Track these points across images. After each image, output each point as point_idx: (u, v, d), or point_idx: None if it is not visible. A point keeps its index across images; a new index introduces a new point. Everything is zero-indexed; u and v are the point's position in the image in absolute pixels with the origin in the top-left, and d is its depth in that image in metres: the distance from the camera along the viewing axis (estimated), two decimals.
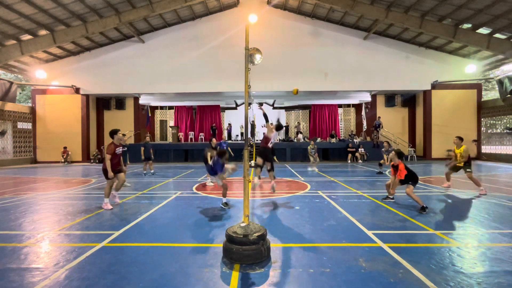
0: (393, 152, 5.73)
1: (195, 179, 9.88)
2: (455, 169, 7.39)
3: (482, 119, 17.63)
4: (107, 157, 5.44)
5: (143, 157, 11.24)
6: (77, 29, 15.10)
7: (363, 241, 3.70)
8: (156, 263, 3.10)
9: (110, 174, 5.43)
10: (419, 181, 8.33)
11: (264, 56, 3.97)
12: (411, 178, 5.47)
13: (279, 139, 20.81)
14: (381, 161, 10.96)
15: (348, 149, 17.17)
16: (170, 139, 20.99)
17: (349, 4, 14.91)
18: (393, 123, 18.86)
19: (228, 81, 16.83)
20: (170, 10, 15.45)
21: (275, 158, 11.51)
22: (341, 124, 22.23)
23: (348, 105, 22.13)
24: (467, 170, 7.02)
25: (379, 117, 18.32)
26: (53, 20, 14.07)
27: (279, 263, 3.06)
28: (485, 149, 17.58)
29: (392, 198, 6.02)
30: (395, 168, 5.60)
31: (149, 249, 3.50)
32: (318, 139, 19.63)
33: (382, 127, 17.82)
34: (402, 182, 5.52)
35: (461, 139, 7.26)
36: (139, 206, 5.76)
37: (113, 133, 5.70)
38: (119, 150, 5.68)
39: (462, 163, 7.11)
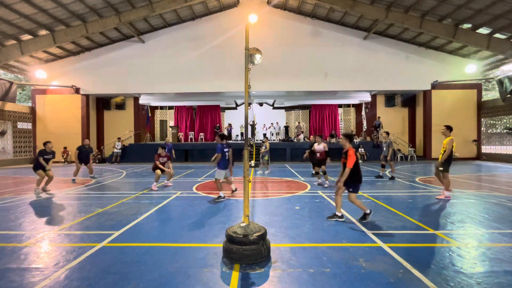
0: (342, 135, 4.76)
1: (195, 179, 9.88)
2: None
3: (482, 119, 17.63)
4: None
5: (76, 160, 9.86)
6: (77, 29, 15.10)
7: (363, 241, 3.70)
8: (156, 263, 3.09)
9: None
10: (419, 182, 8.32)
11: (264, 56, 3.97)
12: (354, 177, 4.45)
13: (279, 139, 20.83)
14: (383, 162, 9.74)
15: None
16: (170, 139, 20.99)
17: (349, 4, 14.90)
18: (393, 123, 18.85)
19: (228, 81, 16.82)
20: (170, 10, 15.45)
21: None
22: (341, 124, 22.23)
23: (348, 105, 22.13)
24: (440, 168, 6.24)
25: (379, 117, 18.33)
26: (53, 20, 14.07)
27: (279, 263, 3.06)
28: (485, 149, 17.58)
29: (341, 217, 4.60)
30: (345, 155, 4.51)
31: (149, 249, 3.50)
32: None
33: (382, 127, 17.82)
34: (346, 184, 4.51)
35: (449, 128, 6.28)
36: (139, 206, 5.76)
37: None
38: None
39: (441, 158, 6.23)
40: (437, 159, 17.35)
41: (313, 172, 9.75)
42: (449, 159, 6.20)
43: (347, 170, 4.39)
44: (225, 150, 6.42)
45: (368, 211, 4.55)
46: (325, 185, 7.92)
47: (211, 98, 20.26)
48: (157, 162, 8.06)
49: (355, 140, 17.96)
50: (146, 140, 20.23)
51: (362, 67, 17.19)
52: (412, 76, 17.20)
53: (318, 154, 8.19)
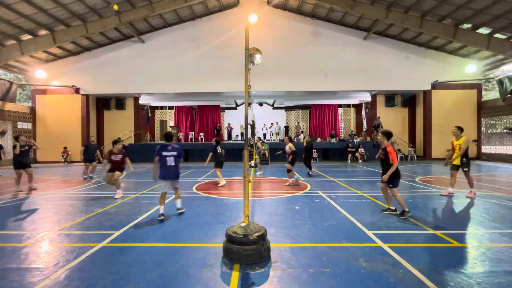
0: (379, 134, 4.90)
1: (195, 179, 9.88)
2: (455, 167, 6.56)
3: (482, 119, 17.62)
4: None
5: (82, 158, 9.98)
6: (77, 29, 15.09)
7: (363, 241, 3.70)
8: (156, 263, 3.10)
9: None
10: (419, 182, 8.34)
11: (264, 56, 3.97)
12: (393, 173, 4.66)
13: (279, 139, 20.81)
14: None
15: (348, 149, 17.17)
16: None
17: (349, 4, 14.90)
18: (393, 123, 18.83)
19: (228, 81, 16.82)
20: (170, 10, 15.44)
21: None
22: (341, 124, 22.23)
23: (348, 105, 22.13)
24: (465, 169, 6.40)
25: (379, 117, 18.32)
26: (53, 20, 14.06)
27: (279, 263, 3.06)
28: (485, 149, 17.57)
29: (394, 210, 4.99)
30: (385, 152, 4.78)
31: (149, 249, 3.50)
32: (318, 139, 19.64)
33: (382, 127, 17.81)
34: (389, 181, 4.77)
35: (460, 129, 6.49)
36: (139, 206, 5.76)
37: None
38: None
39: (459, 158, 6.41)
40: (437, 159, 17.39)
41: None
42: (468, 159, 6.43)
43: (394, 166, 4.64)
44: (164, 153, 4.81)
45: (407, 209, 4.72)
46: (286, 183, 8.51)
47: (211, 98, 20.25)
48: (104, 161, 6.84)
49: (355, 140, 17.96)
50: (146, 140, 20.23)
51: (362, 67, 17.18)
52: (412, 76, 17.19)
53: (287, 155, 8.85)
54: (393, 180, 4.77)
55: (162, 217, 4.70)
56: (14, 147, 7.85)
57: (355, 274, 2.80)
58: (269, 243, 3.22)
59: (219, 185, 8.29)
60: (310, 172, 10.59)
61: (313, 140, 18.41)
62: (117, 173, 6.76)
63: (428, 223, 4.44)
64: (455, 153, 6.55)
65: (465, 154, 6.39)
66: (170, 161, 4.82)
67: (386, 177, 4.71)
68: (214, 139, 8.97)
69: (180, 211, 5.13)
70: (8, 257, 3.33)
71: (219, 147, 8.76)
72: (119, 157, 6.78)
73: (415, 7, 13.97)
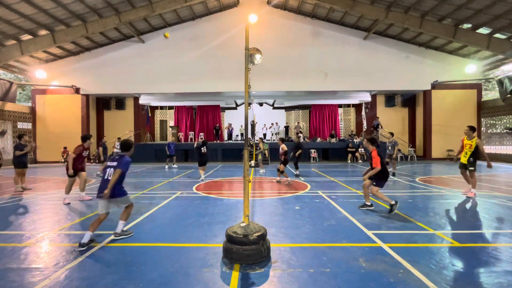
0: (365, 139, 5.29)
1: (195, 179, 9.88)
2: (464, 166, 6.54)
3: (482, 119, 17.62)
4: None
5: (102, 158, 10.88)
6: (77, 29, 15.10)
7: (363, 241, 3.70)
8: (156, 263, 3.10)
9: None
10: (419, 182, 8.33)
11: (264, 56, 3.97)
12: (379, 173, 4.98)
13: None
14: (387, 160, 10.09)
15: (348, 149, 17.18)
16: (174, 138, 21.01)
17: (349, 4, 14.90)
18: (393, 123, 18.84)
19: (228, 81, 16.82)
20: (170, 10, 15.45)
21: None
22: (341, 124, 22.23)
23: (348, 105, 22.13)
24: (470, 168, 6.37)
25: (378, 117, 18.32)
26: (53, 20, 14.06)
27: (279, 263, 3.06)
28: (485, 149, 17.46)
29: (371, 205, 5.37)
30: (370, 156, 5.18)
31: (149, 249, 3.50)
32: (318, 139, 19.64)
33: (381, 127, 17.81)
34: (376, 177, 5.07)
35: (473, 129, 6.42)
36: (139, 206, 5.75)
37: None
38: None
39: (466, 157, 6.42)
40: (437, 159, 17.36)
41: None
42: (475, 159, 6.42)
43: (375, 170, 4.96)
44: (108, 164, 3.92)
45: (393, 202, 4.85)
46: (286, 183, 8.62)
47: (211, 98, 20.26)
48: (70, 160, 6.01)
49: (355, 140, 17.97)
50: (146, 140, 20.23)
51: (362, 67, 17.18)
52: (412, 76, 17.20)
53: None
54: (378, 181, 5.08)
55: (82, 248, 3.45)
56: (25, 147, 7.91)
57: (355, 274, 2.80)
58: (269, 243, 3.22)
59: (200, 178, 9.36)
60: (297, 173, 10.54)
61: (305, 140, 18.46)
62: (84, 174, 6.45)
63: (428, 223, 4.44)
64: (463, 151, 6.61)
65: (473, 154, 6.38)
66: (109, 174, 3.83)
67: (366, 177, 5.21)
68: (202, 139, 9.76)
69: (116, 236, 3.88)
70: (8, 257, 3.33)
71: (204, 147, 9.46)
72: (87, 153, 6.44)
73: (415, 7, 13.97)
